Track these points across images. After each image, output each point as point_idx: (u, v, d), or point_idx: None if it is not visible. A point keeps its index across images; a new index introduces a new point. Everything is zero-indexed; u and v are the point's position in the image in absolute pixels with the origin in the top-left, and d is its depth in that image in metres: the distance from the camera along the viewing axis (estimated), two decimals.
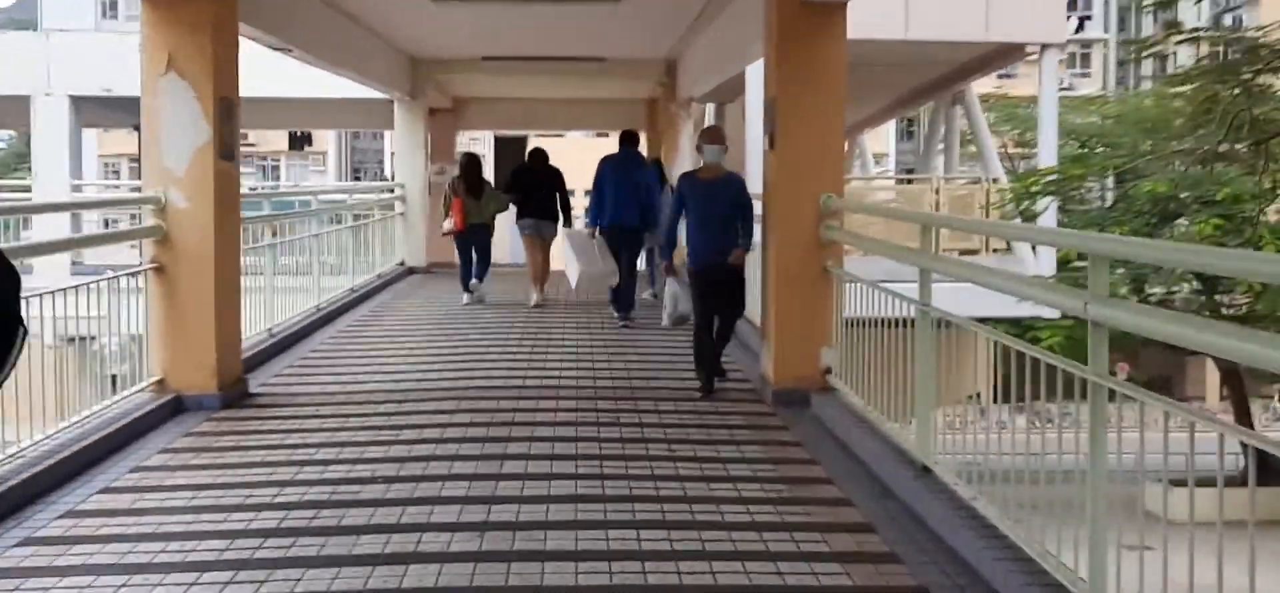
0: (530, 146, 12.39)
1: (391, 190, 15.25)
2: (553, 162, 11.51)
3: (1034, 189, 14.13)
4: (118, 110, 19.46)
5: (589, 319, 10.58)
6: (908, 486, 4.65)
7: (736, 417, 6.37)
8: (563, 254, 10.25)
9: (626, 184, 9.95)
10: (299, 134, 53.97)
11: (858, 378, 6.06)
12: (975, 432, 5.60)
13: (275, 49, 8.95)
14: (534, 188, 11.18)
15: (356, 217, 12.57)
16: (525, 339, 9.15)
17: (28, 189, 19.13)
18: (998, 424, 4.73)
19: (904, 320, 5.37)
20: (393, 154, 15.37)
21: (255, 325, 8.47)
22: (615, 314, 10.07)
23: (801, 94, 6.57)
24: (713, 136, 7.40)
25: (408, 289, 13.11)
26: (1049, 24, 15.63)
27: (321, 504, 4.59)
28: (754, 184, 7.73)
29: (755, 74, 15.05)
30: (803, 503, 4.68)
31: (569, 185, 11.60)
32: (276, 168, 58.58)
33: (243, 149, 36.84)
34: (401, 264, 14.86)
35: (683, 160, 15.27)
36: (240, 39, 6.98)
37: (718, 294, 7.05)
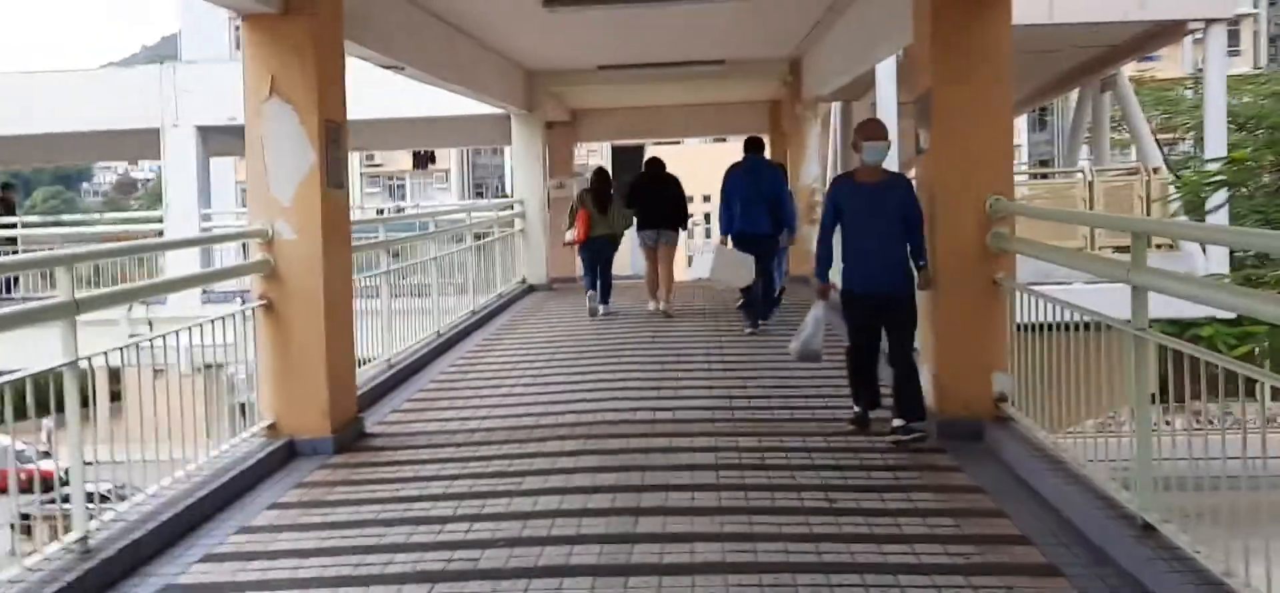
0: (647, 156, 12.55)
1: (510, 207, 14.91)
2: (671, 170, 11.54)
3: (1212, 180, 12.78)
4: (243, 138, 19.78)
5: (717, 332, 9.99)
6: (1129, 550, 3.83)
7: (898, 454, 5.61)
8: (708, 264, 10.37)
9: (755, 191, 9.80)
10: (422, 153, 54.99)
11: (1036, 404, 5.24)
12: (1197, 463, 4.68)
13: (385, 67, 8.60)
14: (653, 198, 11.28)
15: (477, 236, 12.22)
16: (653, 360, 8.56)
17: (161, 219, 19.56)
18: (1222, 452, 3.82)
19: (1073, 325, 4.78)
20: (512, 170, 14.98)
21: (374, 356, 8.14)
22: (747, 325, 9.95)
23: (963, 84, 5.76)
24: (873, 131, 5.95)
25: (529, 308, 12.70)
26: None
27: (436, 577, 4.05)
28: None
29: (886, 71, 14.18)
30: (999, 573, 3.90)
31: (687, 193, 11.64)
32: (402, 187, 59.90)
33: (368, 169, 37.50)
34: (522, 282, 14.50)
35: (810, 163, 14.48)
36: (347, 58, 6.61)
37: (883, 323, 6.02)
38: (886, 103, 14.18)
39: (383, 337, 8.28)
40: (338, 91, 6.19)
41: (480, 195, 55.63)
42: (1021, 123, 39.34)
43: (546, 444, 6.01)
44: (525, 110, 14.62)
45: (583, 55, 13.74)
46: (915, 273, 5.89)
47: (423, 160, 55.72)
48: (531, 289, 14.51)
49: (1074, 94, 19.84)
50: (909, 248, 5.89)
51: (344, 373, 6.24)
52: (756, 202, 9.76)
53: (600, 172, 12.07)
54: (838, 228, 6.07)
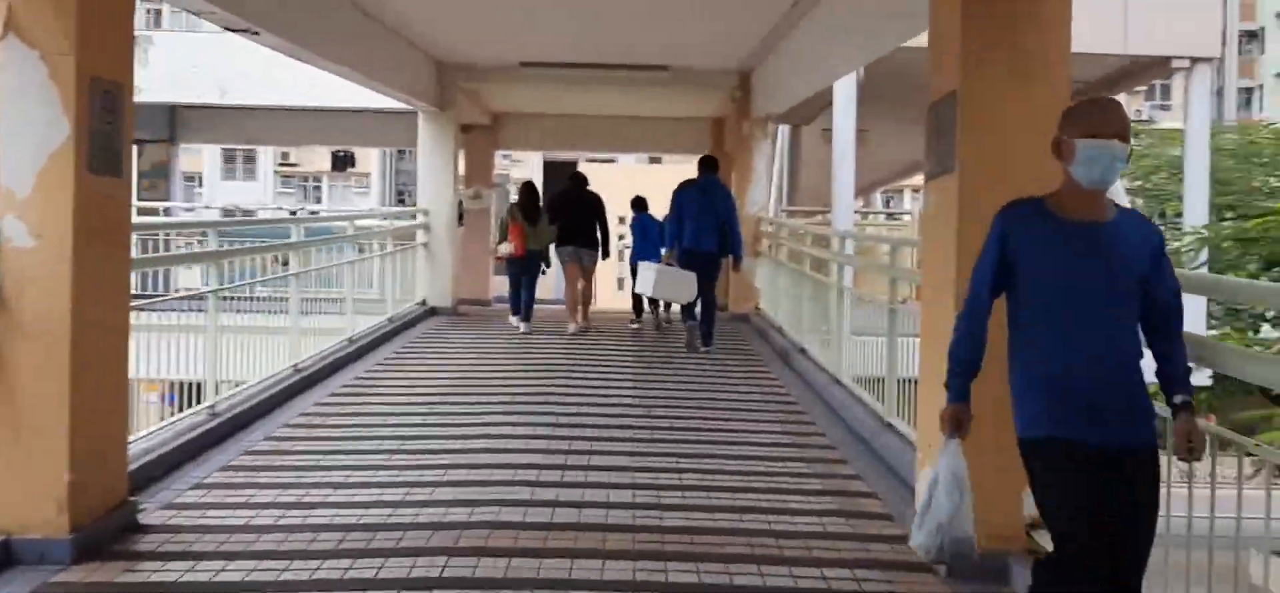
0: (579, 169, 12.65)
1: (413, 216, 13.01)
2: (599, 190, 11.54)
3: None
4: None
5: (652, 360, 8.33)
6: None
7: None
8: (648, 279, 10.16)
9: (707, 210, 9.78)
10: (341, 154, 52.43)
11: None
12: None
13: (229, 29, 6.71)
14: (575, 214, 11.26)
15: (361, 249, 10.34)
16: (576, 421, 6.77)
17: None
18: None
19: None
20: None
21: (193, 403, 6.23)
22: (695, 345, 9.85)
23: (1005, 81, 4.13)
24: (1104, 118, 2.96)
25: (425, 336, 10.81)
26: (1200, 34, 13.01)
27: None
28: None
29: (845, 91, 12.67)
30: None
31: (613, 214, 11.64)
32: (318, 189, 57.17)
33: (283, 169, 34.82)
34: (422, 304, 12.61)
35: (757, 188, 12.87)
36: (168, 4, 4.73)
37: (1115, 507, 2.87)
38: (843, 128, 12.67)
39: (205, 372, 6.35)
40: (117, 38, 4.31)
41: (402, 202, 53.27)
42: None
43: (408, 556, 4.19)
44: (434, 108, 12.76)
45: (504, 49, 11.96)
46: (1170, 412, 3.01)
47: (342, 163, 53.13)
48: (433, 312, 12.63)
49: None
50: (1153, 353, 3.05)
51: (101, 440, 4.33)
52: (707, 220, 9.75)
53: (529, 185, 11.83)
54: (1004, 300, 3.13)
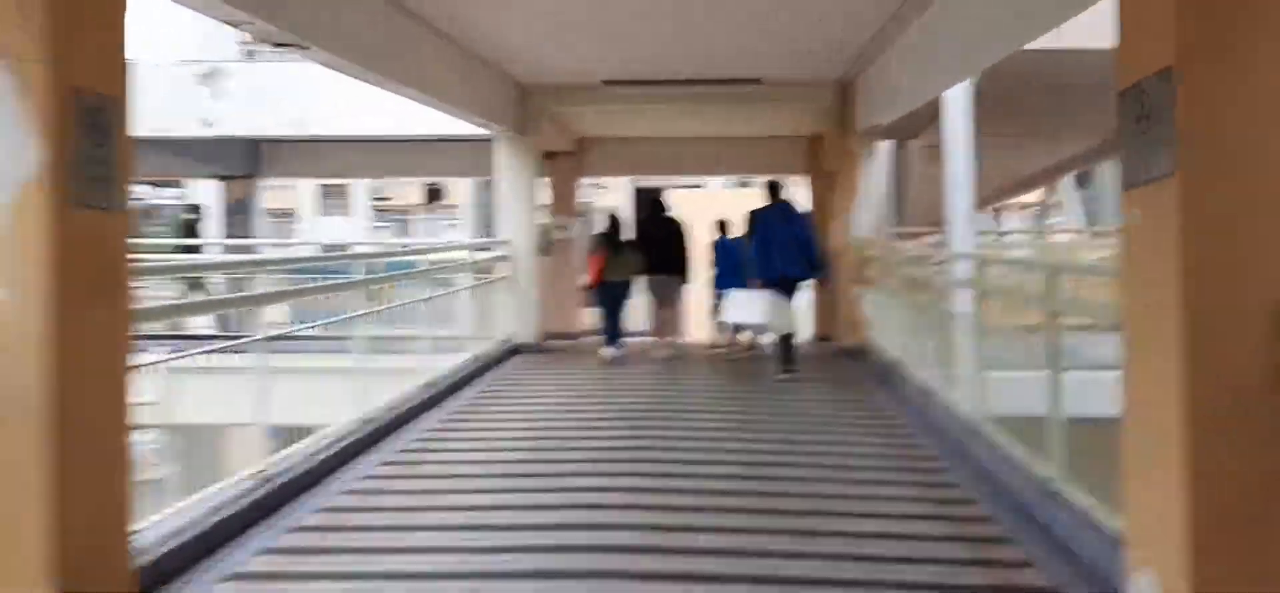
0: (665, 195, 12.19)
1: (494, 248, 12.27)
2: (687, 215, 11.73)
3: None
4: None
5: (751, 400, 7.35)
6: None
7: None
8: (732, 309, 10.21)
9: (789, 234, 9.79)
10: (432, 187, 52.66)
11: None
12: None
13: (271, 42, 5.99)
14: (658, 242, 11.28)
15: (439, 284, 9.61)
16: (671, 480, 5.83)
17: None
18: None
19: None
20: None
21: (234, 467, 5.48)
22: (779, 372, 9.80)
23: (1249, 52, 3.07)
24: None
25: (508, 377, 10.01)
26: None
27: None
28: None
29: (956, 99, 11.53)
30: None
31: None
32: (411, 222, 57.56)
33: (379, 203, 34.60)
34: (507, 341, 11.85)
35: (864, 211, 11.78)
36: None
37: None
38: (956, 138, 11.51)
39: (252, 434, 5.61)
40: (105, 43, 3.56)
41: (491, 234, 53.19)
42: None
43: None
44: (515, 132, 12.03)
45: (586, 66, 11.17)
46: None
47: (433, 195, 53.37)
48: (516, 349, 11.86)
49: None
50: None
51: (98, 535, 3.55)
52: (791, 244, 9.73)
53: (612, 216, 11.74)
54: None
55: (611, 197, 50.43)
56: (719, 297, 11.30)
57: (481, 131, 12.32)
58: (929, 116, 13.56)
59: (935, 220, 24.45)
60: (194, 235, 18.57)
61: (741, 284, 10.18)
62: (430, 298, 9.17)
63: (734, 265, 11.12)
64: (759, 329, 10.28)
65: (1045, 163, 18.03)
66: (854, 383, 9.65)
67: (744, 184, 56.73)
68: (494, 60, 10.90)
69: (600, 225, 12.19)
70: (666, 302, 11.41)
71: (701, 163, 16.30)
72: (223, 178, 17.51)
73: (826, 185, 15.06)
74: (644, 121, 14.36)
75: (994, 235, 25.51)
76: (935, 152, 15.24)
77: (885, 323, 10.79)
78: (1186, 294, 3.04)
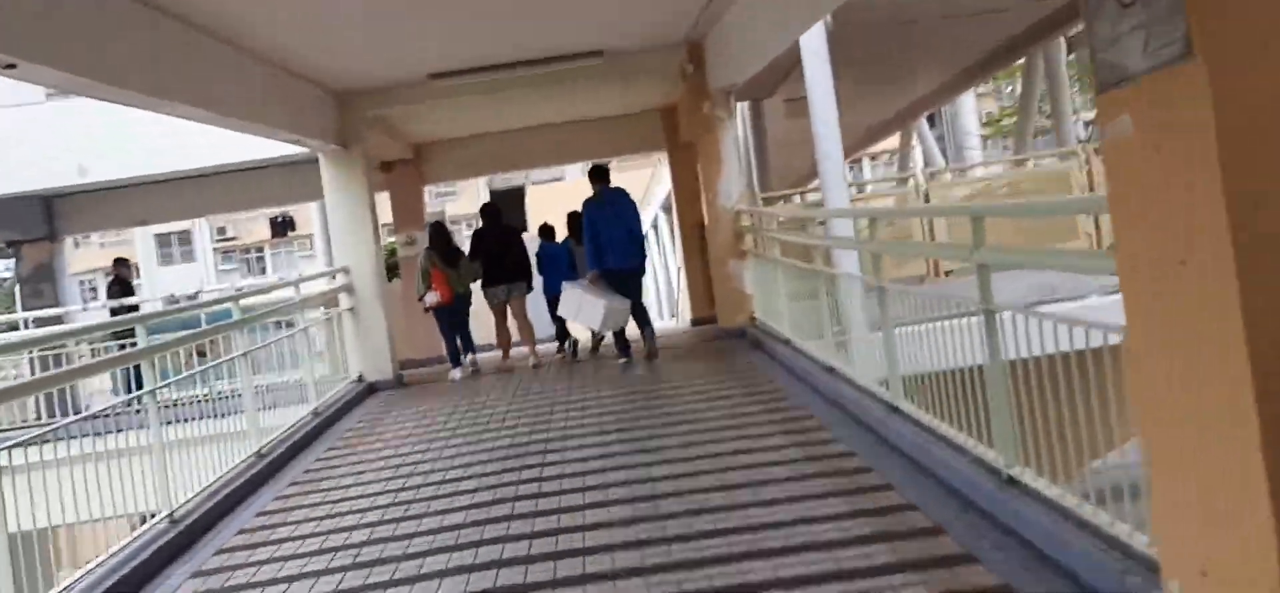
0: (487, 201, 12.22)
1: (334, 278, 10.91)
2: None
3: None
4: None
5: (629, 406, 6.34)
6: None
7: None
8: (574, 306, 9.76)
9: (621, 224, 9.57)
10: (279, 220, 49.92)
11: None
12: None
13: None
14: (495, 249, 10.97)
15: (255, 325, 8.25)
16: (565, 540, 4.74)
17: None
18: None
19: None
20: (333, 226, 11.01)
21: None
22: (622, 360, 9.85)
23: None
24: None
25: (359, 428, 8.73)
26: None
27: None
28: None
29: (812, 45, 10.72)
30: None
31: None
32: (261, 259, 54.50)
33: (221, 245, 32.20)
34: (358, 381, 10.54)
35: (729, 179, 10.90)
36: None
37: None
38: (820, 88, 10.71)
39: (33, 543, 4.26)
40: None
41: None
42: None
43: None
44: (337, 146, 10.69)
45: (406, 61, 9.94)
46: None
47: (281, 228, 50.63)
48: (371, 389, 10.55)
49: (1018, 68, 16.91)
50: None
51: None
52: (622, 235, 9.52)
53: (438, 226, 11.26)
54: None
55: (464, 201, 48.78)
56: (552, 301, 10.98)
57: (257, 153, 11.00)
58: (785, 70, 12.79)
59: (798, 181, 24.02)
60: None
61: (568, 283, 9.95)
62: (251, 351, 7.82)
63: (560, 268, 11.02)
64: (603, 325, 9.66)
65: (900, 104, 17.64)
66: (745, 370, 8.74)
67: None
68: (301, 68, 9.56)
69: (425, 240, 11.76)
70: (516, 311, 11.10)
71: (554, 152, 15.19)
72: (13, 244, 15.48)
73: (687, 158, 14.21)
74: (484, 116, 13.18)
75: (854, 188, 25.25)
76: (795, 106, 14.54)
77: (770, 297, 9.96)
78: (1231, 206, 2.12)
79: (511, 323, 11.25)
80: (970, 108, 22.84)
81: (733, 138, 10.89)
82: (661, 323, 30.90)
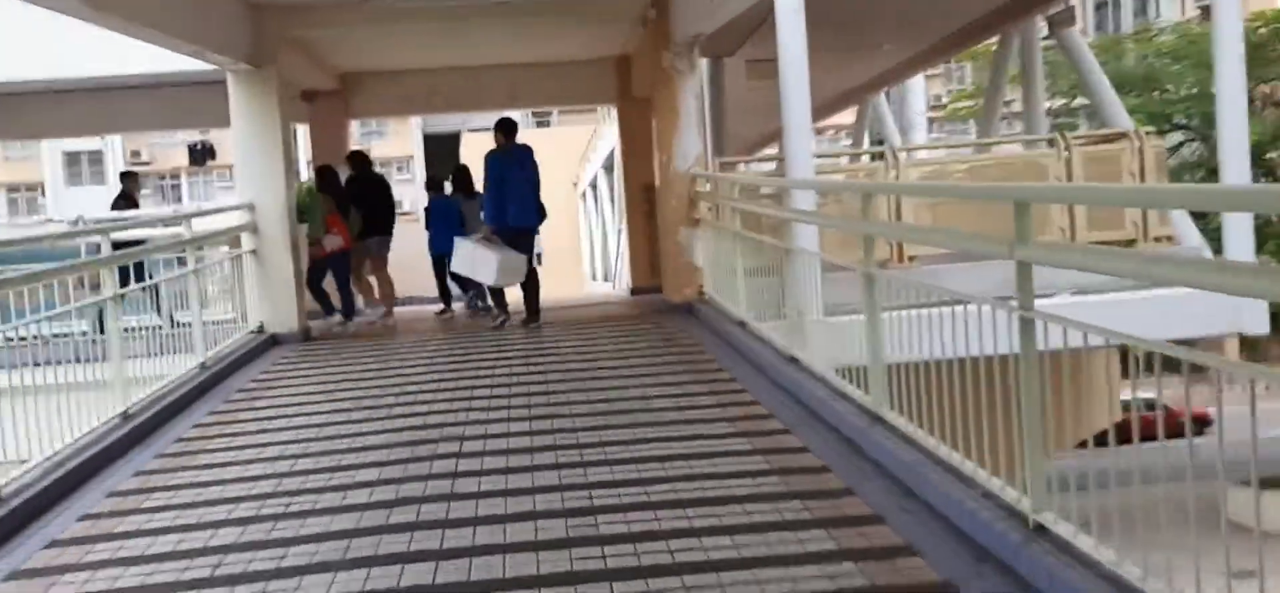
0: (354, 148, 11.90)
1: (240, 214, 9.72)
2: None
3: None
4: None
5: (543, 378, 5.43)
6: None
7: None
8: (468, 261, 9.23)
9: (526, 180, 9.22)
10: (199, 147, 47.44)
11: None
12: None
13: None
14: (370, 199, 10.66)
15: (137, 270, 7.11)
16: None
17: None
18: None
19: None
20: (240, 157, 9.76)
21: None
22: (497, 317, 9.60)
23: None
24: None
25: (259, 384, 7.62)
26: None
27: None
28: None
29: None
30: None
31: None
32: (176, 188, 51.97)
33: (139, 168, 29.93)
34: (258, 331, 9.40)
35: (687, 137, 9.94)
36: None
37: None
38: (791, 43, 9.75)
39: None
40: None
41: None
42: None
43: None
44: (248, 65, 9.46)
45: None
46: None
47: (200, 156, 48.05)
48: (274, 341, 9.43)
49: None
50: None
51: None
52: (529, 193, 9.22)
53: (327, 168, 10.85)
54: None
55: (394, 143, 47.01)
56: (441, 257, 10.58)
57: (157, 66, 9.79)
58: (751, 27, 11.85)
59: (749, 149, 23.12)
60: None
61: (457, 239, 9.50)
62: (125, 292, 6.67)
63: (451, 223, 10.48)
64: (497, 279, 9.26)
65: (865, 76, 16.83)
66: (693, 351, 7.84)
67: (542, 122, 54.04)
68: None
69: (315, 178, 11.00)
70: (377, 267, 10.78)
71: (492, 96, 13.97)
72: None
73: (639, 113, 13.20)
74: (420, 49, 12.00)
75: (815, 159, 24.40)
76: (757, 68, 13.62)
77: (723, 273, 9.06)
78: None
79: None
80: (919, 88, 22.17)
81: (693, 94, 9.92)
82: (598, 286, 29.96)
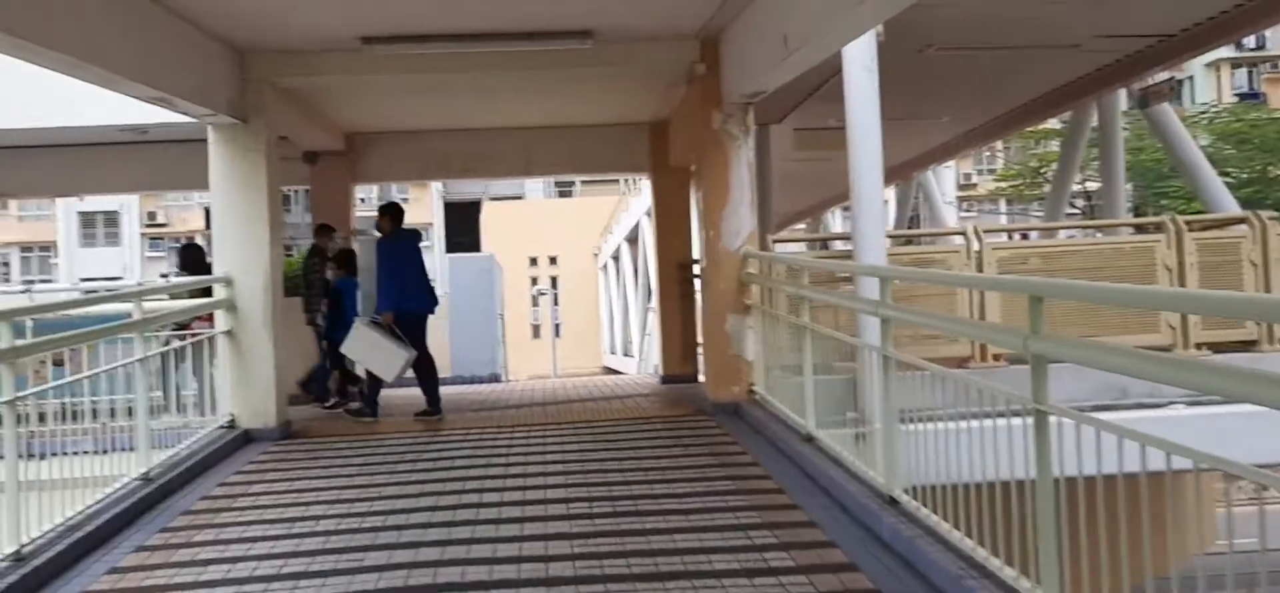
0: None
1: (209, 291, 8.34)
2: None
3: None
4: None
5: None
6: None
7: None
8: (366, 349, 8.68)
9: (419, 265, 9.07)
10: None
11: None
12: None
13: None
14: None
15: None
16: None
17: None
18: None
19: None
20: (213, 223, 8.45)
21: None
22: (368, 414, 8.91)
23: None
24: None
25: (216, 502, 6.15)
26: None
27: None
28: None
29: (858, 56, 8.42)
30: None
31: None
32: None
33: (150, 231, 28.61)
34: (229, 426, 7.97)
35: (737, 213, 8.54)
36: None
37: None
38: (863, 106, 8.35)
39: None
40: None
41: (288, 253, 47.47)
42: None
43: None
44: (233, 119, 8.14)
45: (334, 13, 7.48)
46: None
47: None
48: (247, 438, 7.99)
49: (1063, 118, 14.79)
50: None
51: None
52: (422, 275, 9.11)
53: (191, 246, 10.40)
54: None
55: (417, 210, 45.96)
56: (330, 344, 9.80)
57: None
58: (805, 90, 10.55)
59: (786, 223, 21.72)
60: None
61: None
62: (37, 391, 5.24)
63: (353, 306, 9.91)
64: (394, 375, 8.71)
65: (923, 145, 15.43)
66: (752, 476, 6.32)
67: (565, 193, 52.90)
68: (193, 11, 7.07)
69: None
70: None
71: (509, 162, 12.67)
72: None
73: (675, 183, 11.87)
74: (433, 106, 10.72)
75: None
76: (809, 136, 12.32)
77: (779, 368, 7.60)
78: None
79: None
80: (949, 167, 20.85)
81: (746, 162, 8.52)
82: (616, 359, 28.48)
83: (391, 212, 9.05)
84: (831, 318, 7.92)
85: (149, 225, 50.24)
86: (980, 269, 8.96)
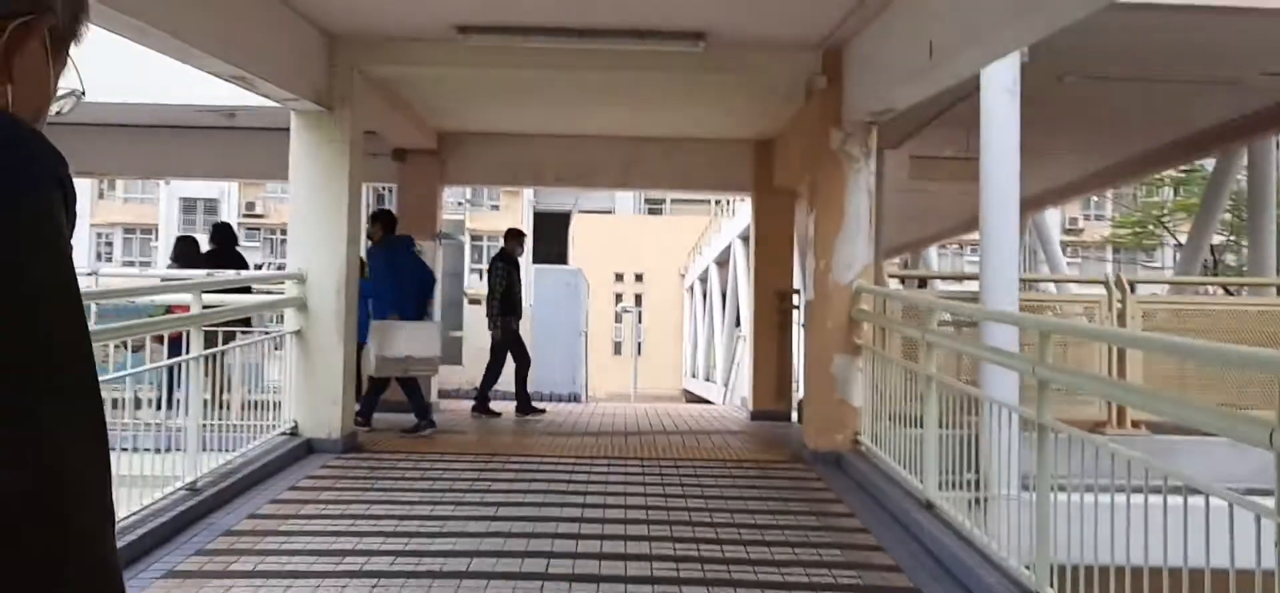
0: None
1: (281, 285, 7.87)
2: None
3: None
4: None
5: None
6: None
7: None
8: (400, 340, 8.56)
9: (418, 271, 8.99)
10: None
11: None
12: None
13: None
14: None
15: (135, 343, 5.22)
16: None
17: None
18: None
19: None
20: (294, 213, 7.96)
21: None
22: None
23: None
24: None
25: (262, 524, 5.58)
26: None
27: None
28: None
29: (998, 78, 7.55)
30: None
31: None
32: (286, 242, 51.76)
33: (250, 220, 29.00)
34: (292, 433, 7.45)
35: (854, 241, 7.75)
36: None
37: None
38: (1002, 134, 7.47)
39: None
40: None
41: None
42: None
43: None
44: (319, 107, 7.66)
45: (428, 5, 6.94)
46: None
47: None
48: (309, 449, 7.46)
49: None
50: None
51: None
52: (422, 282, 9.02)
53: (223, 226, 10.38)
54: None
55: (507, 218, 45.89)
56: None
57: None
58: (923, 119, 9.71)
59: (891, 256, 20.70)
60: None
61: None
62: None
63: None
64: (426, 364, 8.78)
65: (1056, 180, 14.31)
66: (861, 545, 5.51)
67: (655, 210, 52.09)
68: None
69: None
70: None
71: (605, 173, 12.04)
72: None
73: (779, 206, 11.10)
74: (528, 108, 10.14)
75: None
76: (925, 164, 11.41)
77: (890, 420, 6.77)
78: None
79: None
80: (1052, 211, 19.65)
81: (865, 188, 7.72)
82: (698, 385, 27.67)
83: (383, 219, 9.04)
84: (952, 365, 7.11)
85: (247, 215, 51.16)
86: (1122, 323, 7.99)
